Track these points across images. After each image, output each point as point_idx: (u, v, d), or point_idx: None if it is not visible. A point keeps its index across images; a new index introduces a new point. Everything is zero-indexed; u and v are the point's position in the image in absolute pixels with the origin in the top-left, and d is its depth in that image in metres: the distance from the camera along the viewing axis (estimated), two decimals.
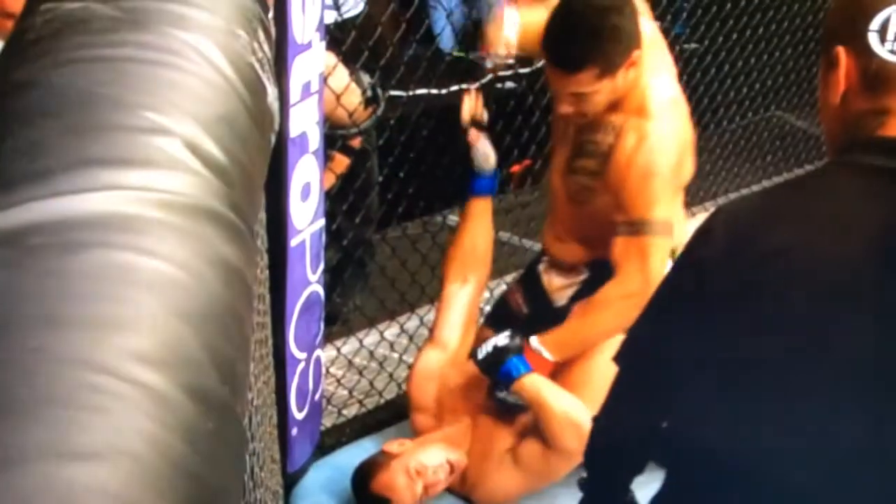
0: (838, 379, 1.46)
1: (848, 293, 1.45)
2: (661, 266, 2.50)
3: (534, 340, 2.64)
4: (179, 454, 0.58)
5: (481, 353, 2.66)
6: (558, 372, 2.67)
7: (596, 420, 1.77)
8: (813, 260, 1.47)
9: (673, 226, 2.57)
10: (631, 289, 2.50)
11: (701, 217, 3.74)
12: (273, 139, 0.94)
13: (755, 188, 4.77)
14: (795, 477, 1.48)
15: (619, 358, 1.70)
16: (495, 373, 2.64)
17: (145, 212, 0.67)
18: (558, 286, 2.89)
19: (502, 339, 2.64)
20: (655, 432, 1.67)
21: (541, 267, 2.98)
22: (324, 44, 2.50)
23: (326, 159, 2.89)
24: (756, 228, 1.55)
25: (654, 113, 2.55)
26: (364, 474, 2.73)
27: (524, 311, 2.97)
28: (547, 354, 2.61)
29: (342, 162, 3.53)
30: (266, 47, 0.92)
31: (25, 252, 0.63)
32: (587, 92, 2.49)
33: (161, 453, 0.56)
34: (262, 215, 2.17)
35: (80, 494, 0.53)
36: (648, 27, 2.65)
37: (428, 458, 2.66)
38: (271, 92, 0.90)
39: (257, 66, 0.87)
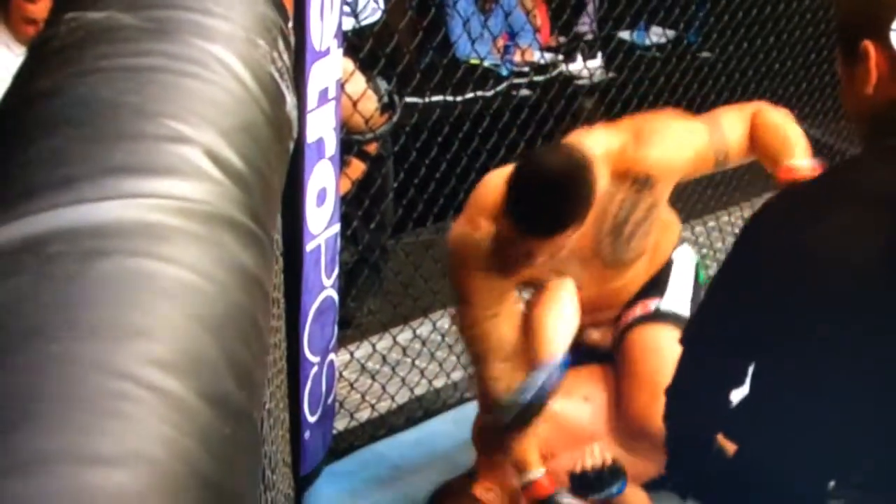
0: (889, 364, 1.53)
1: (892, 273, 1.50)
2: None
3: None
4: (197, 459, 0.58)
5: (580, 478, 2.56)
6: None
7: (667, 392, 1.84)
8: (857, 244, 1.52)
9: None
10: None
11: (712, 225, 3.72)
12: (291, 147, 0.95)
13: (767, 196, 4.76)
14: (860, 453, 1.57)
15: (683, 339, 1.77)
16: (592, 492, 2.58)
17: (166, 219, 0.68)
18: (597, 338, 2.85)
19: (607, 470, 2.53)
20: (723, 404, 1.74)
21: None
22: (341, 50, 2.51)
23: (342, 165, 2.89)
24: (804, 216, 1.59)
25: (615, 138, 2.53)
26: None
27: None
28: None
29: (358, 167, 3.54)
30: (285, 56, 0.92)
31: (47, 259, 0.64)
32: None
33: (179, 458, 0.57)
34: (279, 220, 2.18)
35: (101, 499, 0.53)
36: None
37: None
38: (290, 101, 0.90)
39: (276, 75, 0.88)
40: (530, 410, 2.50)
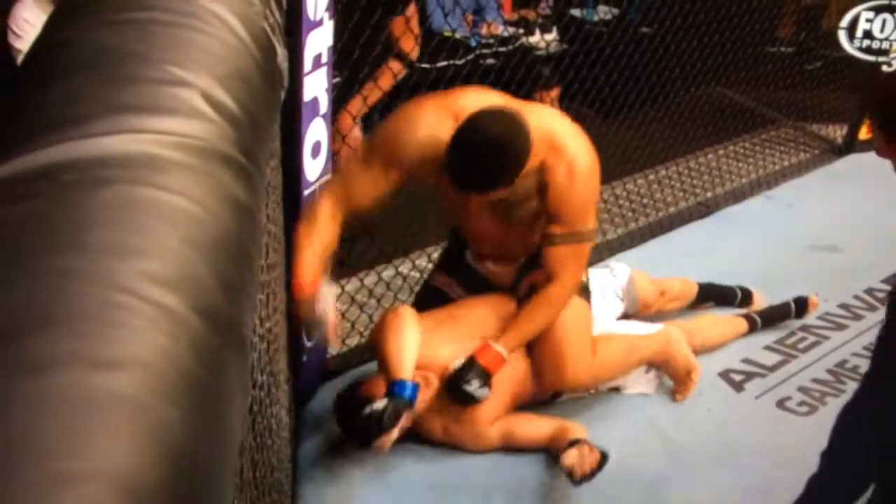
0: None
1: None
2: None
3: (493, 343, 2.52)
4: (188, 365, 0.56)
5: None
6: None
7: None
8: None
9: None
10: (569, 289, 2.49)
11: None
12: (283, 95, 0.92)
13: (699, 153, 4.75)
14: None
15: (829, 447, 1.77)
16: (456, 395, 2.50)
17: (165, 153, 0.65)
18: (495, 270, 2.79)
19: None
20: None
21: (469, 256, 2.84)
22: (333, 21, 2.46)
23: (334, 121, 2.84)
24: None
25: (570, 146, 2.40)
26: (348, 393, 2.59)
27: (458, 294, 2.83)
28: (503, 352, 2.50)
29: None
30: (277, 14, 0.89)
31: (60, 185, 0.61)
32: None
33: (172, 364, 0.54)
34: (279, 167, 2.14)
35: (103, 398, 0.51)
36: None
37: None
38: (281, 53, 0.87)
39: (269, 29, 0.85)
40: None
